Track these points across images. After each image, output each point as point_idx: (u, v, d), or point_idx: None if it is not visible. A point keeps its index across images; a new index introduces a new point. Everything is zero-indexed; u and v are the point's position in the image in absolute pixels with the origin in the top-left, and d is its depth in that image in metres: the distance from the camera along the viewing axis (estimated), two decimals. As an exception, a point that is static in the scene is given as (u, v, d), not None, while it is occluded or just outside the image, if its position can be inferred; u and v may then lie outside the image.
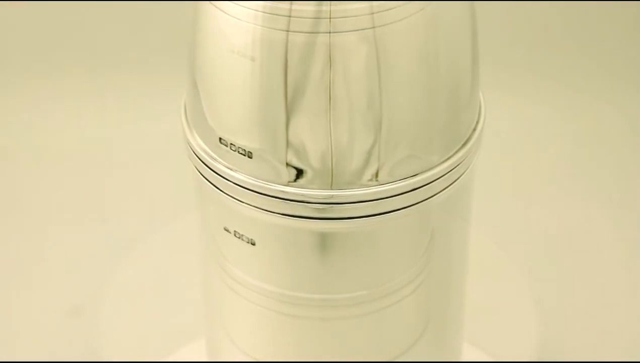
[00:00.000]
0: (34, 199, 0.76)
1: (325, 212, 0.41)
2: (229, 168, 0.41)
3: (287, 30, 0.38)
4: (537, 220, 0.74)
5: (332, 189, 0.40)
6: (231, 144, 0.41)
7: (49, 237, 0.73)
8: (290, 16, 0.38)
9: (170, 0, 0.79)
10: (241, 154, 0.41)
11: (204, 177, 0.43)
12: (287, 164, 0.40)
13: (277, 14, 0.38)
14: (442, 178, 0.41)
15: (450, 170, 0.42)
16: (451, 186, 0.42)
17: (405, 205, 0.41)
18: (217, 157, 0.42)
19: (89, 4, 0.82)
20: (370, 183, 0.40)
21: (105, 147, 0.81)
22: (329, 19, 0.38)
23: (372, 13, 0.38)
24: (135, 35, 0.83)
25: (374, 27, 0.38)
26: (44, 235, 0.73)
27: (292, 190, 0.40)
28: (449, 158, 0.41)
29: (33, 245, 0.72)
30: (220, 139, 0.41)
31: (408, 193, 0.41)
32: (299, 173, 0.40)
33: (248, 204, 0.41)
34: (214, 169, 0.42)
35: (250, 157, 0.40)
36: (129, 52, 0.83)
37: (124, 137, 0.81)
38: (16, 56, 0.84)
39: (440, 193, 0.42)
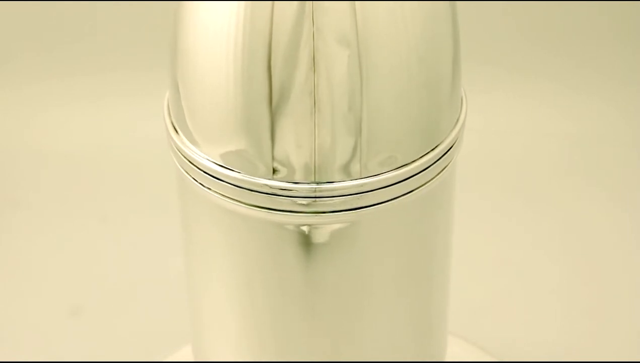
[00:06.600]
0: (34, 199, 0.77)
1: (310, 206, 0.41)
2: (213, 163, 0.41)
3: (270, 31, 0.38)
4: (536, 220, 0.74)
5: (315, 183, 0.40)
6: (214, 147, 0.41)
7: (49, 236, 0.73)
8: (272, 16, 0.38)
9: (168, 0, 0.79)
10: (224, 155, 0.41)
11: (186, 173, 0.43)
12: (274, 169, 0.40)
13: (258, 16, 0.38)
14: (426, 170, 0.42)
15: (435, 162, 0.42)
16: (436, 178, 0.42)
17: (390, 198, 0.41)
18: (201, 154, 0.42)
19: (88, 3, 0.82)
20: (354, 174, 0.40)
21: (105, 146, 0.81)
22: (311, 20, 0.38)
23: (355, 15, 0.38)
24: (136, 34, 0.83)
25: (357, 28, 0.38)
26: (44, 235, 0.73)
27: (275, 184, 0.40)
28: (432, 150, 0.42)
29: (33, 245, 0.73)
30: (204, 141, 0.41)
31: (392, 186, 0.41)
32: (282, 171, 0.40)
33: (231, 198, 0.41)
34: (197, 165, 0.42)
35: (234, 158, 0.41)
36: (130, 51, 0.84)
37: (124, 137, 0.82)
38: (15, 56, 0.84)
39: (425, 185, 0.42)
